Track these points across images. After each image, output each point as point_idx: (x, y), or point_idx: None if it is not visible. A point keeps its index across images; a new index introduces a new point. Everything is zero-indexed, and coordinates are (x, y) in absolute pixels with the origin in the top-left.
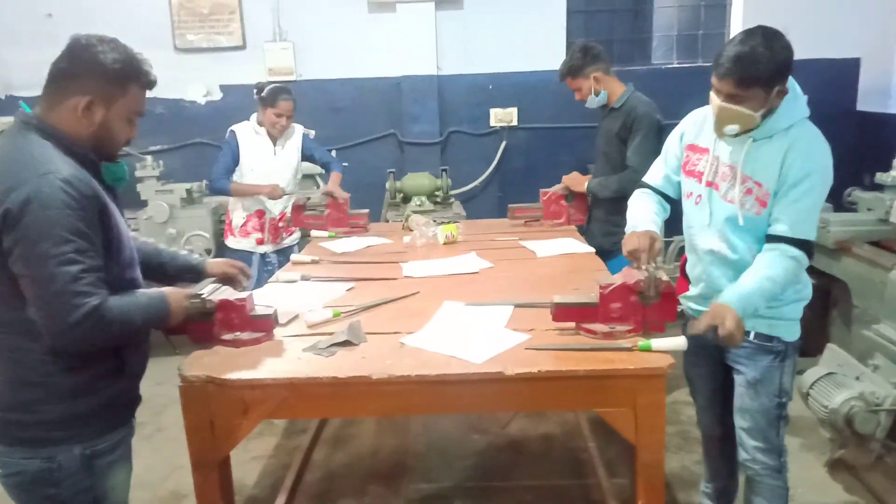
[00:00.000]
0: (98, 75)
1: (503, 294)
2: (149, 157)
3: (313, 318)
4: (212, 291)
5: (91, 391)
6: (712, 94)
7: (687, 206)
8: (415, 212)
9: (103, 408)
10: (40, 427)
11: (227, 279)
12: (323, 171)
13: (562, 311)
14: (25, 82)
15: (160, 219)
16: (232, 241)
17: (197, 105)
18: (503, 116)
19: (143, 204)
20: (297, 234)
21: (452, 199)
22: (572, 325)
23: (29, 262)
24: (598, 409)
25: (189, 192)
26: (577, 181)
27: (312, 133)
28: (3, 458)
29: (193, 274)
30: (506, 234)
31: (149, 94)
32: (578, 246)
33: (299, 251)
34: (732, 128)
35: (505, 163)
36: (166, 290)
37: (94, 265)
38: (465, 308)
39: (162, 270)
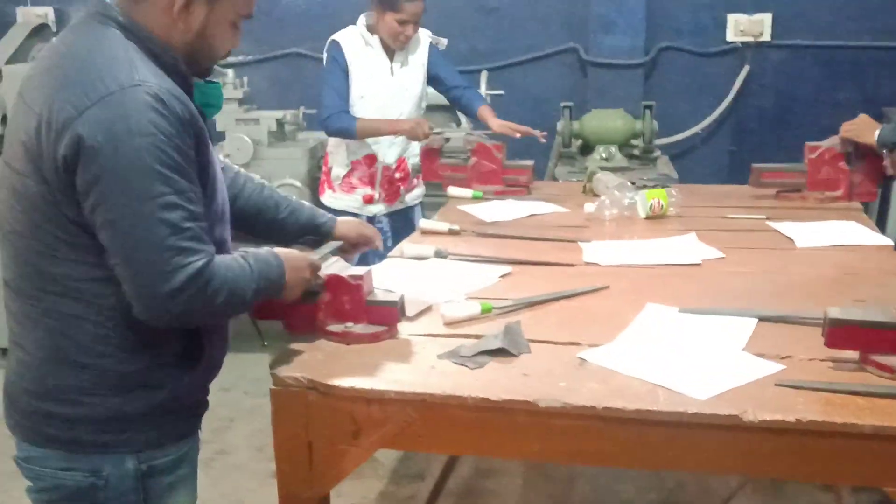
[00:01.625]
0: None
1: (739, 299)
2: (230, 72)
3: (454, 313)
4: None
5: (153, 383)
6: None
7: None
8: (602, 168)
9: (166, 408)
10: (84, 425)
11: (354, 247)
12: (448, 100)
13: (842, 333)
14: None
15: (242, 159)
16: (329, 198)
17: (296, 1)
18: (748, 27)
19: (220, 137)
20: (420, 190)
21: (657, 152)
22: (854, 355)
23: (116, 206)
24: (890, 489)
25: (280, 123)
26: (866, 129)
27: (443, 43)
28: (35, 465)
29: (317, 236)
30: (745, 210)
31: None
32: (866, 234)
33: (423, 215)
34: None
35: (745, 100)
36: (283, 252)
37: (196, 212)
38: (679, 316)
39: (278, 229)
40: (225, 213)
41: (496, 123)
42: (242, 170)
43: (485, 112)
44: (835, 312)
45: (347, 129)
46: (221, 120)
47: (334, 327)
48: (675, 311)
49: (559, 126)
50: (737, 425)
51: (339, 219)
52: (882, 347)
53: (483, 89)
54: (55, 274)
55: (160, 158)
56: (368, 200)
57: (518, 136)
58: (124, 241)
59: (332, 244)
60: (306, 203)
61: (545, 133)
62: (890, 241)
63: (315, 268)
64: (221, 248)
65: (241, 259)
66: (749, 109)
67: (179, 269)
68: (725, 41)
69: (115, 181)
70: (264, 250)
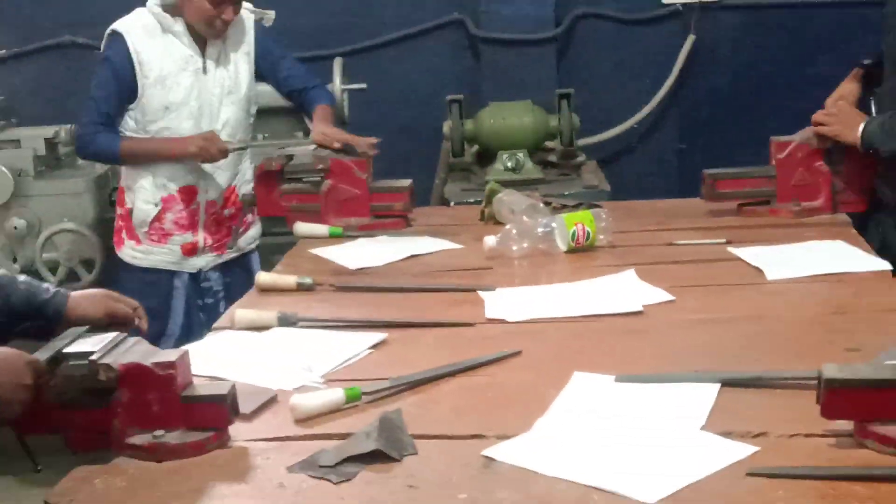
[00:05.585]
0: None
1: (696, 358)
2: None
3: (307, 404)
4: (106, 346)
5: None
6: None
7: None
8: (503, 183)
9: None
10: None
11: (110, 327)
12: (291, 103)
13: (842, 399)
14: None
15: None
16: (132, 253)
17: None
18: None
19: None
20: (256, 229)
21: (582, 157)
22: (848, 426)
23: None
24: None
25: (52, 144)
26: (847, 122)
27: (270, 17)
28: None
29: (43, 321)
30: (699, 233)
31: None
32: (857, 257)
33: (263, 263)
34: None
35: (694, 80)
36: None
37: None
38: (616, 387)
39: None
40: None
41: (315, 131)
42: None
43: (317, 115)
44: (832, 371)
45: (106, 151)
46: None
47: (138, 438)
48: (610, 381)
49: (446, 128)
50: None
51: (76, 294)
52: (885, 413)
53: (337, 83)
54: None
55: None
56: (190, 251)
57: (337, 146)
58: None
59: (73, 332)
60: (21, 276)
61: (377, 140)
62: (888, 266)
63: (38, 370)
64: None
65: None
66: (699, 93)
67: None
68: (662, 3)
69: None
70: None
